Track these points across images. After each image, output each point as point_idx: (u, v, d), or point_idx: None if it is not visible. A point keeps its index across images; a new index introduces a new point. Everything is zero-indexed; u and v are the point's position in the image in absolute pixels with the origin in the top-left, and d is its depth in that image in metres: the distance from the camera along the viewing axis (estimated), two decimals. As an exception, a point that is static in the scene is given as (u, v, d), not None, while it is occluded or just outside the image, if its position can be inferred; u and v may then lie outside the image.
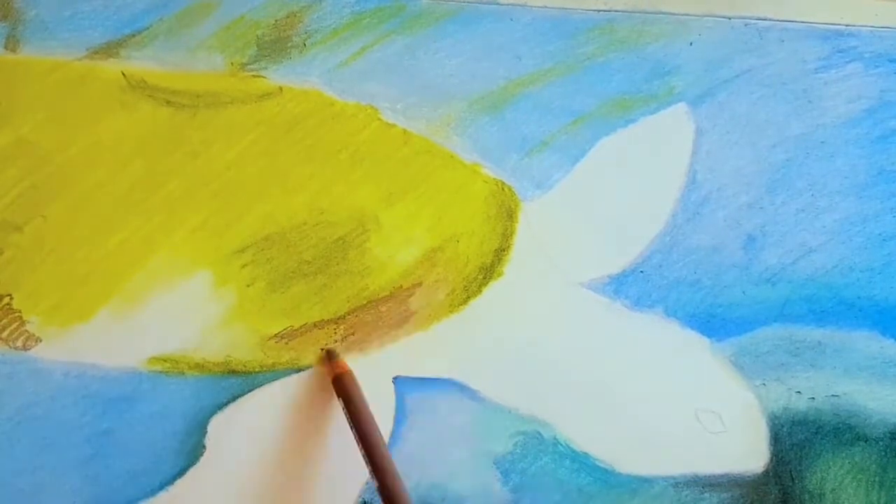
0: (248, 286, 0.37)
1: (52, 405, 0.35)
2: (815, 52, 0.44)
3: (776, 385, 0.38)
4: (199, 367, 0.36)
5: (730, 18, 0.44)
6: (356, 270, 0.38)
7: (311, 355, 0.37)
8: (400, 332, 0.38)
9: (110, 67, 0.38)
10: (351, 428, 0.35)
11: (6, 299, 0.36)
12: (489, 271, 0.39)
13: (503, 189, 0.40)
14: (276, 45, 0.40)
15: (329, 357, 0.37)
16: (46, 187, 0.37)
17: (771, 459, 0.37)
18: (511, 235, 0.40)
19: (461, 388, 0.38)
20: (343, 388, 0.36)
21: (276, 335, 0.37)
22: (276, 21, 0.40)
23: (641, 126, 0.42)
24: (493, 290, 0.39)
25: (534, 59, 0.42)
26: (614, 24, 0.43)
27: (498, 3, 0.42)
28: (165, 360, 0.36)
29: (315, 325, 0.38)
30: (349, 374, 0.36)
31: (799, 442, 0.37)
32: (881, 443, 0.37)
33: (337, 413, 0.37)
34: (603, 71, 0.42)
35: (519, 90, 0.41)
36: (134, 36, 0.39)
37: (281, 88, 0.39)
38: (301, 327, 0.37)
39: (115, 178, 0.37)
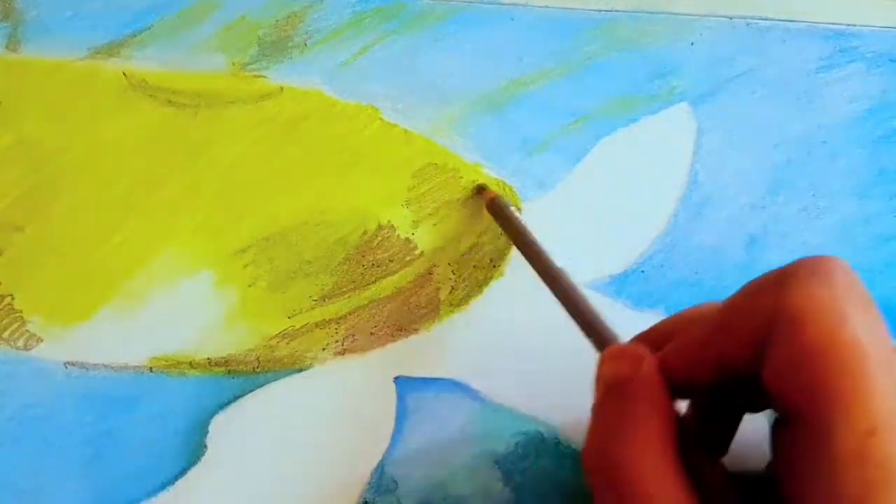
0: (249, 286, 0.37)
1: (54, 405, 0.35)
2: (817, 51, 0.44)
3: (778, 385, 0.38)
4: (200, 367, 0.36)
5: (731, 18, 0.43)
6: (357, 271, 0.38)
7: (312, 355, 0.37)
8: (401, 332, 0.38)
9: (111, 67, 0.38)
10: (518, 247, 0.36)
11: (7, 299, 0.36)
12: (490, 271, 0.39)
13: (504, 189, 0.40)
14: (277, 45, 0.40)
15: (479, 190, 0.39)
16: (47, 187, 0.37)
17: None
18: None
19: (462, 388, 0.38)
20: (499, 209, 0.38)
21: (277, 335, 0.37)
22: (276, 21, 0.40)
23: (643, 126, 0.42)
24: (494, 289, 0.39)
25: (535, 59, 0.42)
26: (616, 23, 0.43)
27: (499, 3, 0.42)
28: (167, 360, 0.36)
29: (316, 325, 0.38)
30: (500, 196, 0.38)
31: (800, 442, 0.37)
32: (883, 443, 0.37)
33: (338, 413, 0.37)
34: (604, 71, 0.42)
35: (520, 90, 0.41)
36: (135, 36, 0.39)
37: (282, 88, 0.39)
38: (302, 327, 0.37)
39: (116, 178, 0.37)
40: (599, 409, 0.28)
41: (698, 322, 0.28)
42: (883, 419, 0.22)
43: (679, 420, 0.27)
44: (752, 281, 0.27)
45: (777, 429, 0.26)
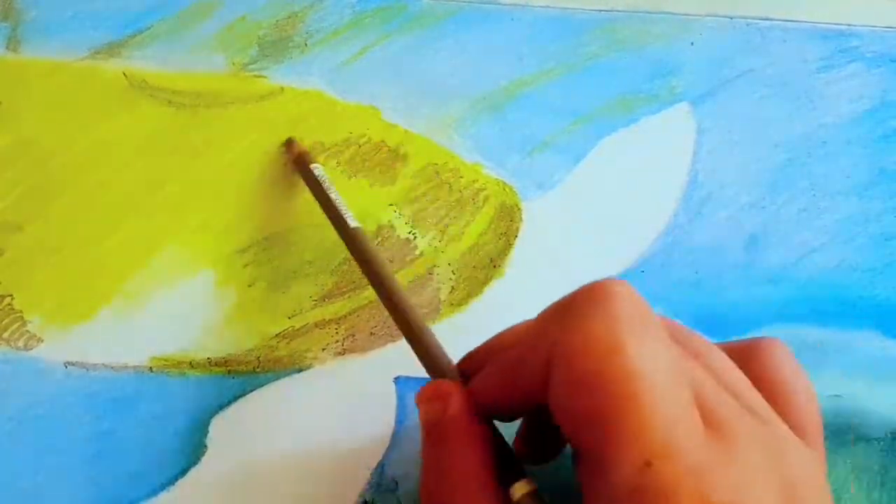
0: (249, 286, 0.37)
1: (54, 405, 0.35)
2: (817, 51, 0.44)
3: (778, 385, 0.38)
4: (200, 367, 0.36)
5: (731, 18, 0.43)
6: (357, 270, 0.38)
7: (312, 355, 0.37)
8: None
9: (111, 68, 0.38)
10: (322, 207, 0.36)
11: (7, 299, 0.36)
12: (490, 271, 0.39)
13: (504, 189, 0.40)
14: (277, 45, 0.40)
15: (287, 143, 0.38)
16: (47, 187, 0.37)
17: (772, 459, 0.37)
18: (512, 235, 0.40)
19: (462, 388, 0.38)
20: (304, 166, 0.37)
21: (277, 335, 0.37)
22: (277, 21, 0.40)
23: (643, 126, 0.42)
24: (494, 289, 0.39)
25: (535, 59, 0.42)
26: (616, 23, 0.43)
27: (499, 3, 0.42)
28: (167, 360, 0.36)
29: (316, 324, 0.38)
30: (308, 153, 0.37)
31: (800, 442, 0.37)
32: (883, 443, 0.37)
33: (338, 413, 0.37)
34: (604, 71, 0.42)
35: (520, 90, 0.41)
36: (135, 36, 0.39)
37: (282, 89, 0.39)
38: (302, 327, 0.37)
39: (116, 178, 0.37)
40: (424, 453, 0.28)
41: (504, 350, 0.28)
42: (658, 449, 0.21)
43: (500, 444, 0.27)
44: (544, 309, 0.26)
45: (574, 462, 0.26)
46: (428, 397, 0.28)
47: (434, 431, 0.27)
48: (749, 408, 0.25)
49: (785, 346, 0.29)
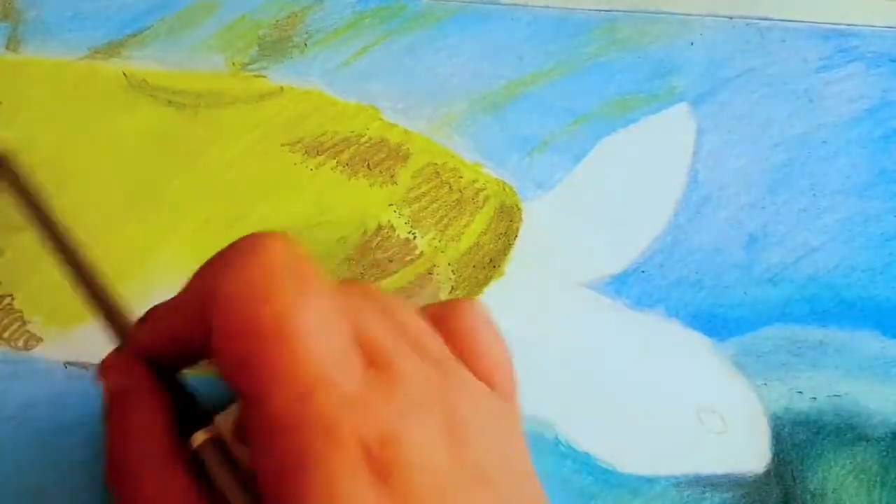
0: (249, 286, 0.37)
1: (54, 405, 0.35)
2: (817, 51, 0.44)
3: (778, 385, 0.38)
4: (200, 366, 0.36)
5: (731, 18, 0.44)
6: (357, 271, 0.38)
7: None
8: (401, 332, 0.38)
9: (112, 67, 0.38)
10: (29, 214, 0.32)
11: (7, 299, 0.36)
12: (490, 271, 0.39)
13: (504, 189, 0.40)
14: (277, 45, 0.40)
15: None
16: (47, 188, 0.37)
17: (772, 459, 0.36)
18: (512, 235, 0.40)
19: (462, 388, 0.38)
20: (6, 170, 0.33)
21: (277, 335, 0.37)
22: (277, 21, 0.40)
23: (642, 126, 0.42)
24: (493, 289, 0.39)
25: (535, 59, 0.42)
26: (616, 23, 0.43)
27: (499, 3, 0.42)
28: (167, 360, 0.36)
29: (316, 325, 0.38)
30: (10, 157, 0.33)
31: (800, 442, 0.37)
32: (883, 443, 0.37)
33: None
34: (604, 71, 0.42)
35: (520, 90, 0.41)
36: (135, 36, 0.39)
37: (282, 88, 0.39)
38: (302, 327, 0.37)
39: (116, 178, 0.37)
40: (107, 421, 0.28)
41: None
42: (311, 382, 0.22)
43: (181, 396, 0.28)
44: (206, 261, 0.27)
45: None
46: (110, 368, 0.29)
47: (116, 402, 0.28)
48: (426, 354, 0.25)
49: (481, 306, 0.29)
